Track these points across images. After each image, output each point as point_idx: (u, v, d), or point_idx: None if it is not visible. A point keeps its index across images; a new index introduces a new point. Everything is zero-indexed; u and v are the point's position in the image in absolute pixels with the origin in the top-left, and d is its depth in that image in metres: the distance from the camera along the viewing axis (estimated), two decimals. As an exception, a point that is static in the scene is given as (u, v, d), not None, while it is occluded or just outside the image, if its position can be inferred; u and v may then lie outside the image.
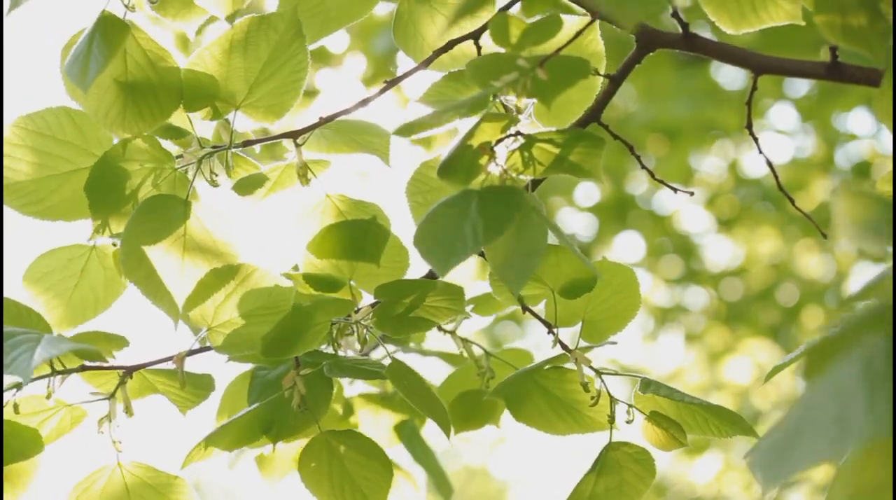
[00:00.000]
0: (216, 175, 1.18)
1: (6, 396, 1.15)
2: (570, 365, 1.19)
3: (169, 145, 1.20)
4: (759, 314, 4.79)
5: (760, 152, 1.30)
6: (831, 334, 0.67)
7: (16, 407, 1.15)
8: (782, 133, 4.58)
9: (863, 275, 4.61)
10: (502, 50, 1.10)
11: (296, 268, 1.22)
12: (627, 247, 4.96)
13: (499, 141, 1.10)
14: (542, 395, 1.20)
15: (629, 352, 5.41)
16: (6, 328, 1.08)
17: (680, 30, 1.14)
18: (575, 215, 4.88)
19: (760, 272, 4.88)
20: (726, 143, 4.66)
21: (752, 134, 1.29)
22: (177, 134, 1.20)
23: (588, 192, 4.85)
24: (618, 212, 4.81)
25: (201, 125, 1.22)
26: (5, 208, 1.21)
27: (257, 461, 1.40)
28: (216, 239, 1.19)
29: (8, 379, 1.14)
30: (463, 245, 0.95)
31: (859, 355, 0.63)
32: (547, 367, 1.19)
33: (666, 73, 4.24)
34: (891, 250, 0.68)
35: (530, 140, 1.09)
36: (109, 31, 1.12)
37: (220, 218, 1.19)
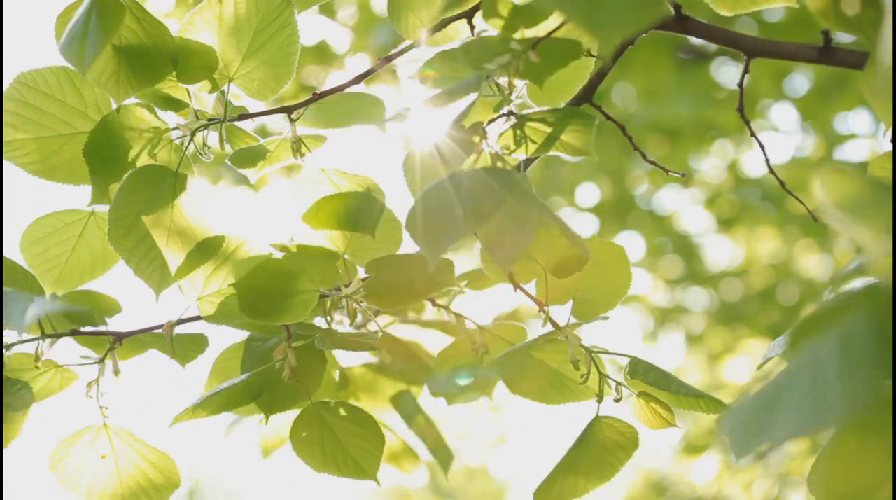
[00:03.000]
0: (208, 147, 1.18)
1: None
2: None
3: (169, 118, 1.20)
4: (759, 314, 4.79)
5: (752, 135, 1.30)
6: (814, 313, 0.67)
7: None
8: (779, 131, 4.58)
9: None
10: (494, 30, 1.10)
11: (291, 240, 1.22)
12: (628, 247, 4.96)
13: (491, 121, 1.11)
14: (537, 367, 1.20)
15: (629, 352, 5.40)
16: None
17: (673, 11, 1.15)
18: (575, 215, 4.88)
19: (760, 272, 4.88)
20: (726, 143, 4.66)
21: (743, 117, 1.30)
22: (175, 105, 1.20)
23: (589, 192, 4.85)
24: (618, 212, 4.81)
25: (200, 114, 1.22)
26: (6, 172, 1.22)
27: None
28: (207, 211, 1.19)
29: None
30: (453, 229, 0.95)
31: (838, 332, 0.63)
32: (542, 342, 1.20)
33: (666, 73, 4.24)
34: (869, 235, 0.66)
35: (522, 119, 1.09)
36: (105, 13, 1.12)
37: (210, 198, 1.20)
